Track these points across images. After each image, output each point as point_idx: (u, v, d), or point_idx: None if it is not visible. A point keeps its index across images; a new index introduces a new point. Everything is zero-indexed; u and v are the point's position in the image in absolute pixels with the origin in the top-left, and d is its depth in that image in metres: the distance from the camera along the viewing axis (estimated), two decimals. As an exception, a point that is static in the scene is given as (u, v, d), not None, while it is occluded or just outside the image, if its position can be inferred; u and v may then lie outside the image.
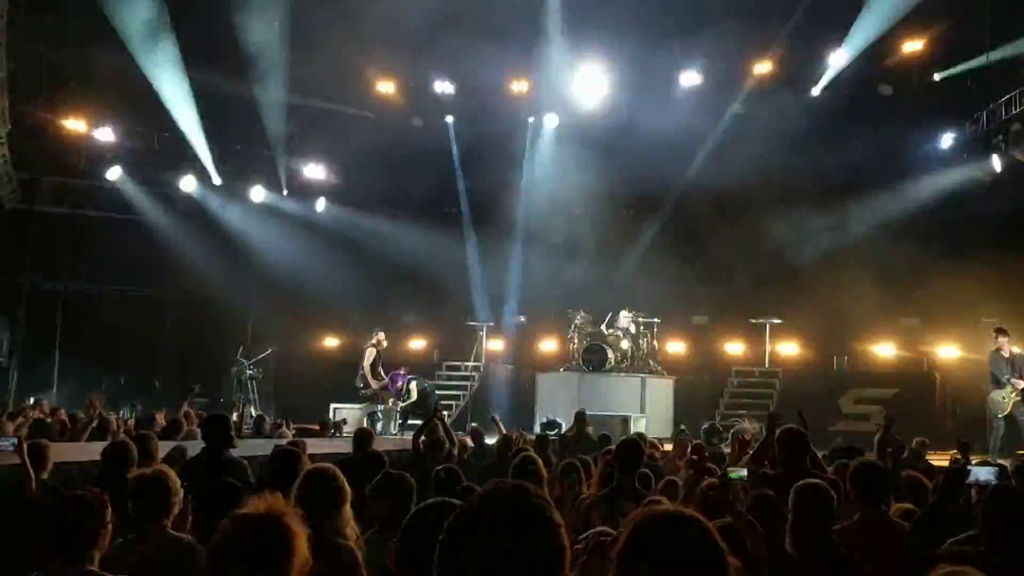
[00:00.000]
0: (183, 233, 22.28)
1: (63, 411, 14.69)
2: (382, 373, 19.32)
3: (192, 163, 21.84)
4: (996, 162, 18.83)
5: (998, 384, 15.53)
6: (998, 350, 15.71)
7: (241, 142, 22.93)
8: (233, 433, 7.71)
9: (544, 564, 1.94)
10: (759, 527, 4.41)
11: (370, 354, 19.27)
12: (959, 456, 8.60)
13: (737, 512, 4.72)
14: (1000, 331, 15.95)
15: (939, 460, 11.17)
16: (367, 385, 19.21)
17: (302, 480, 4.83)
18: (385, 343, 19.57)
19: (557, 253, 22.50)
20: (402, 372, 19.73)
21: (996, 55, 18.37)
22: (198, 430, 9.80)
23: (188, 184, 21.99)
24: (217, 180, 22.36)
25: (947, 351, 19.97)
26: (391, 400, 19.33)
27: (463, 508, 2.03)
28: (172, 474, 5.10)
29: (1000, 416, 15.44)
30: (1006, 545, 4.64)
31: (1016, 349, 15.76)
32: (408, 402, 19.32)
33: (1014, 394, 15.34)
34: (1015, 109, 18.17)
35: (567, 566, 1.98)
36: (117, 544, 4.62)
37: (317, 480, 4.79)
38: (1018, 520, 4.69)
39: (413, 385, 19.53)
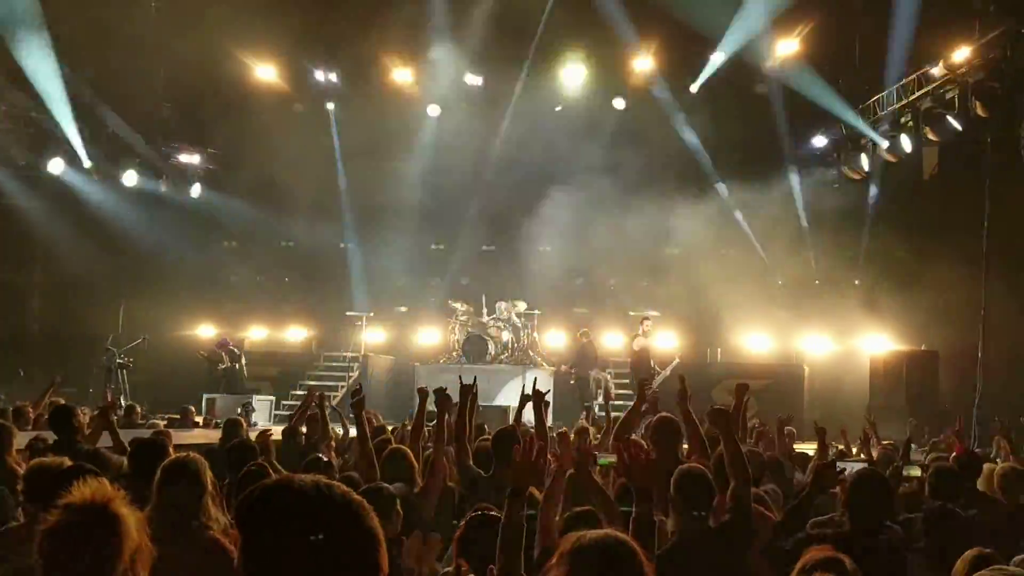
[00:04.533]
0: (50, 217, 21.47)
1: None
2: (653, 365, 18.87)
3: (61, 145, 21.00)
4: (864, 161, 19.46)
5: None
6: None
7: (113, 125, 22.16)
8: (80, 423, 7.46)
9: (349, 553, 1.94)
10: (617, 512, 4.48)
11: (638, 343, 18.84)
12: (819, 448, 8.93)
13: (603, 497, 4.78)
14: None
15: (805, 447, 11.54)
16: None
17: (162, 470, 4.73)
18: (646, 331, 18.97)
19: (439, 242, 22.50)
20: (226, 342, 20.61)
21: (866, 56, 18.98)
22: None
23: (56, 167, 21.15)
24: (87, 163, 21.54)
25: (816, 343, 20.63)
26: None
27: (277, 507, 1.99)
28: None
29: None
30: (864, 522, 4.81)
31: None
32: (221, 367, 20.12)
33: None
34: (882, 110, 18.81)
35: (379, 553, 1.98)
36: None
37: (177, 470, 4.70)
38: (878, 499, 4.88)
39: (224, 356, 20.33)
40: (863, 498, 4.99)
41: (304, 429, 9.48)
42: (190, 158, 23.25)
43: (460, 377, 7.25)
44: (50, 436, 7.99)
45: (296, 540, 1.91)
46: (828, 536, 4.70)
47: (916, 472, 8.50)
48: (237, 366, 20.55)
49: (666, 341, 21.61)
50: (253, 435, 9.46)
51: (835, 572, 3.04)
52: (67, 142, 20.85)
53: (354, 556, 1.94)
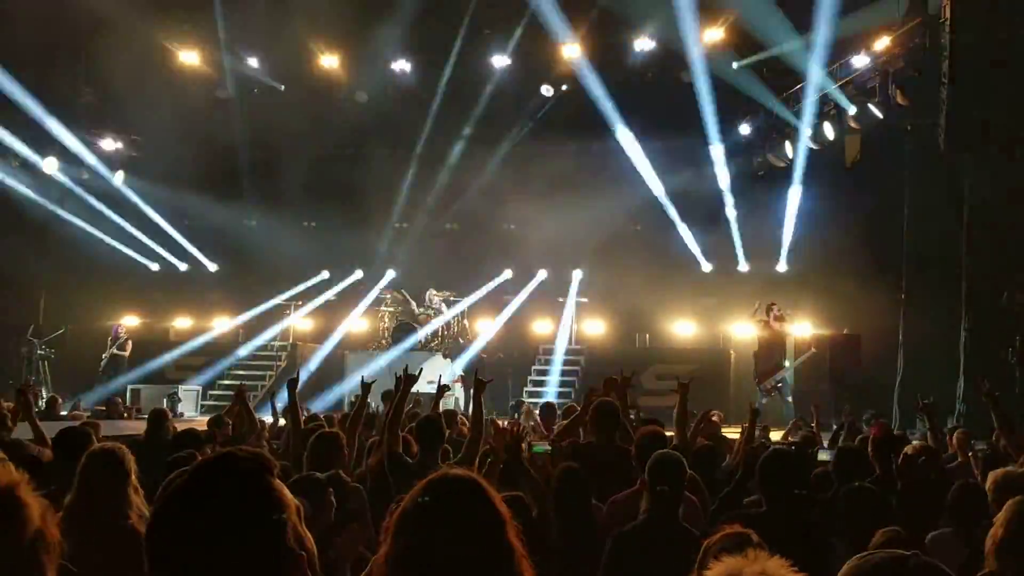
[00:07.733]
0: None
1: None
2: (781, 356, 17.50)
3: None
4: (788, 148, 19.75)
5: None
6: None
7: (32, 111, 21.55)
8: (6, 415, 7.34)
9: (254, 531, 1.88)
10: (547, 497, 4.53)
11: (764, 332, 17.59)
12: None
13: (531, 480, 4.84)
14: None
15: (731, 432, 11.69)
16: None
17: (84, 460, 4.68)
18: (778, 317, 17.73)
19: (367, 230, 22.40)
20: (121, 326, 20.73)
21: (788, 47, 19.21)
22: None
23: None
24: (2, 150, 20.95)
25: (741, 329, 20.92)
26: None
27: (176, 485, 1.95)
28: None
29: None
30: (778, 500, 4.92)
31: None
32: (118, 353, 20.09)
33: None
34: (805, 98, 19.08)
35: (286, 531, 1.92)
36: None
37: (99, 460, 4.66)
38: (783, 476, 4.99)
39: (129, 344, 20.36)
40: (773, 476, 5.08)
41: (229, 421, 9.42)
42: (112, 145, 22.74)
43: (405, 367, 7.37)
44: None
45: (193, 512, 1.87)
46: (750, 516, 4.79)
47: (825, 456, 8.73)
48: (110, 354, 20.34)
49: (594, 327, 21.79)
50: (180, 426, 9.39)
51: (743, 544, 3.09)
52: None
53: (254, 529, 1.87)
